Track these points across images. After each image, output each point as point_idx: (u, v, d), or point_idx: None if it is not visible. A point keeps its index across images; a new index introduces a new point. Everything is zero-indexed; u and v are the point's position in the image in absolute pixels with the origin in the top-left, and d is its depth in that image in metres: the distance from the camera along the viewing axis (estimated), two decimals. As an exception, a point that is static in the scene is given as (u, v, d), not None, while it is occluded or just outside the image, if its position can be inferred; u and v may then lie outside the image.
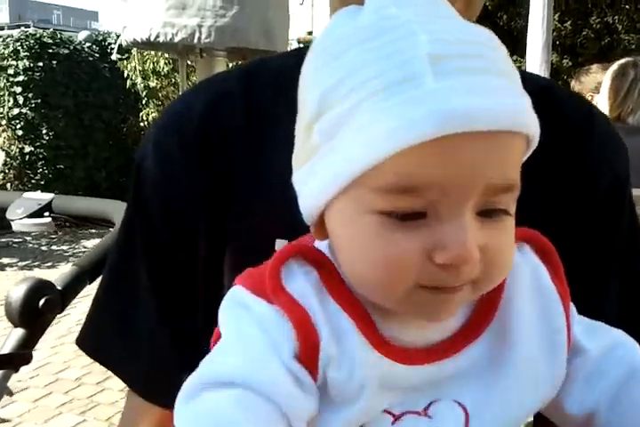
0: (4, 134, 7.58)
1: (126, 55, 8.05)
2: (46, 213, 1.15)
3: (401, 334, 0.47)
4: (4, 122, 7.55)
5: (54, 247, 6.58)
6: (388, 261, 0.43)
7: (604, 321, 0.56)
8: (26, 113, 7.49)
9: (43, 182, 7.54)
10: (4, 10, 72.61)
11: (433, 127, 0.39)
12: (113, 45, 8.45)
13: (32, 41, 7.56)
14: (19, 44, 7.49)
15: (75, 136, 7.78)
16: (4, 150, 7.63)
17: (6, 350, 0.89)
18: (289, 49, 2.30)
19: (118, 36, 8.61)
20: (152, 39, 1.84)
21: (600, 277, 0.69)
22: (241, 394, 0.42)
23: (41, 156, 7.57)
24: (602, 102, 3.02)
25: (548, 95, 0.70)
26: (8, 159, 7.62)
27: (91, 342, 0.76)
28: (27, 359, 0.92)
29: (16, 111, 7.45)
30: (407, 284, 0.43)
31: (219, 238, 0.66)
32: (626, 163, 0.73)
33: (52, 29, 8.14)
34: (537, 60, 8.45)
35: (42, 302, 0.92)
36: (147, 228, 0.70)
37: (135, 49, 7.85)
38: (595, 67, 3.57)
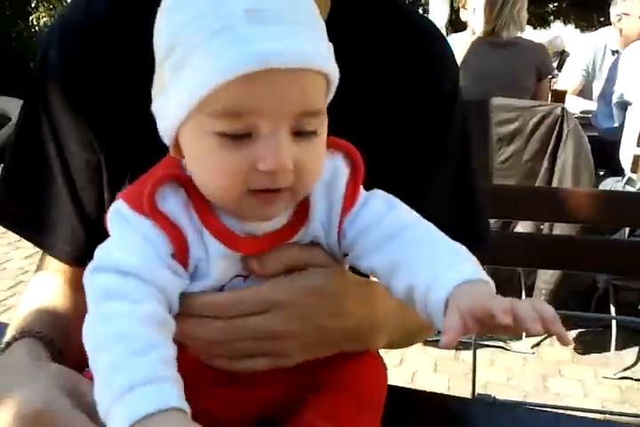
0: None
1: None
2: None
3: (244, 227, 0.59)
4: None
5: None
6: (223, 171, 0.53)
7: (430, 206, 0.68)
8: None
9: None
10: None
11: (244, 65, 0.49)
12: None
13: None
14: None
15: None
16: None
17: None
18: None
19: None
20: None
21: (426, 171, 0.84)
22: (131, 280, 0.54)
23: None
24: (475, 17, 3.26)
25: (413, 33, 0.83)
26: None
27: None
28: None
29: None
30: (240, 190, 0.54)
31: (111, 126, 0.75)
32: (455, 87, 0.86)
33: None
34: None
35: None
36: (49, 105, 0.78)
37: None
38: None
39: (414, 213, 0.63)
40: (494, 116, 2.72)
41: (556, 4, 17.13)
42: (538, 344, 2.90)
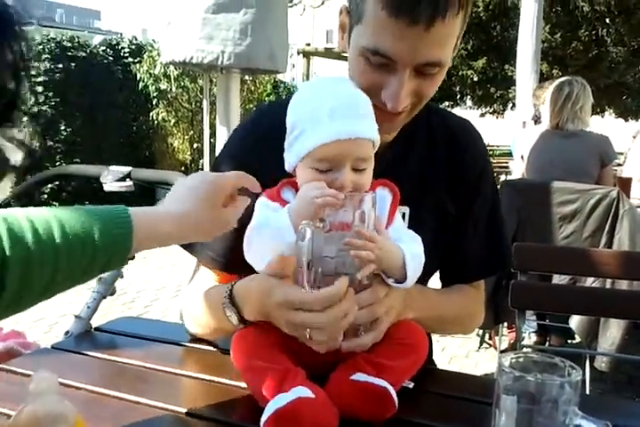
0: (26, 129, 8.15)
1: (138, 59, 8.68)
2: (127, 180, 1.78)
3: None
4: (26, 118, 8.11)
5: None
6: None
7: (472, 246, 1.21)
8: (46, 110, 8.04)
9: (60, 175, 8.11)
10: (8, 7, 72.91)
11: (324, 140, 0.91)
12: (125, 49, 9.09)
13: (53, 44, 8.14)
14: (41, 47, 8.03)
15: (90, 133, 8.36)
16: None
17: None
18: (288, 67, 2.94)
19: (130, 41, 9.25)
20: (187, 60, 2.48)
21: (470, 223, 1.22)
22: (274, 230, 0.92)
23: (59, 150, 8.14)
24: (544, 112, 3.66)
25: (449, 125, 1.23)
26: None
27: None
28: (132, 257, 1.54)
29: (37, 109, 8.03)
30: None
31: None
32: (484, 160, 1.26)
33: (70, 34, 8.67)
34: (527, 70, 8.94)
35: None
36: None
37: (147, 53, 8.50)
38: (547, 83, 4.17)
39: (416, 243, 1.00)
40: (557, 197, 3.04)
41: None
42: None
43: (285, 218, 0.92)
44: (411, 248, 0.97)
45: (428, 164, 1.19)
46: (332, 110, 0.93)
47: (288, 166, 1.00)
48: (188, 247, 1.23)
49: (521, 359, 0.75)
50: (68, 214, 0.80)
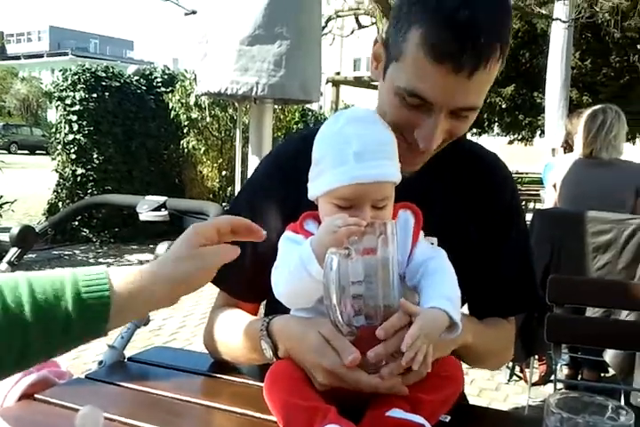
0: (59, 158, 8.26)
1: (170, 88, 8.85)
2: (163, 209, 1.80)
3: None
4: (59, 147, 8.23)
5: (101, 260, 7.23)
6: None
7: (508, 278, 1.20)
8: (79, 139, 8.15)
9: (91, 202, 8.24)
10: (45, 38, 75.30)
11: (348, 181, 0.93)
12: (158, 79, 9.28)
13: (88, 74, 8.29)
14: (76, 77, 8.22)
15: (122, 161, 8.47)
16: (57, 172, 8.31)
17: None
18: (320, 97, 2.97)
19: (163, 71, 9.44)
20: (221, 91, 2.52)
21: (501, 256, 1.21)
22: (296, 260, 0.94)
23: (91, 178, 8.20)
24: (577, 140, 3.61)
25: (476, 156, 1.25)
26: (61, 180, 8.29)
27: None
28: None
29: (71, 137, 8.15)
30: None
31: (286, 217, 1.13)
32: (512, 189, 1.26)
33: (104, 64, 8.85)
34: (556, 97, 8.90)
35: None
36: (251, 202, 1.22)
37: (179, 83, 8.66)
38: (585, 110, 4.12)
39: (445, 262, 1.00)
40: (591, 227, 2.99)
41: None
42: None
43: (308, 249, 0.93)
44: (446, 291, 0.95)
45: (453, 194, 1.20)
46: (356, 153, 0.94)
47: (310, 196, 1.03)
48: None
49: (568, 399, 0.73)
50: (40, 281, 0.79)
